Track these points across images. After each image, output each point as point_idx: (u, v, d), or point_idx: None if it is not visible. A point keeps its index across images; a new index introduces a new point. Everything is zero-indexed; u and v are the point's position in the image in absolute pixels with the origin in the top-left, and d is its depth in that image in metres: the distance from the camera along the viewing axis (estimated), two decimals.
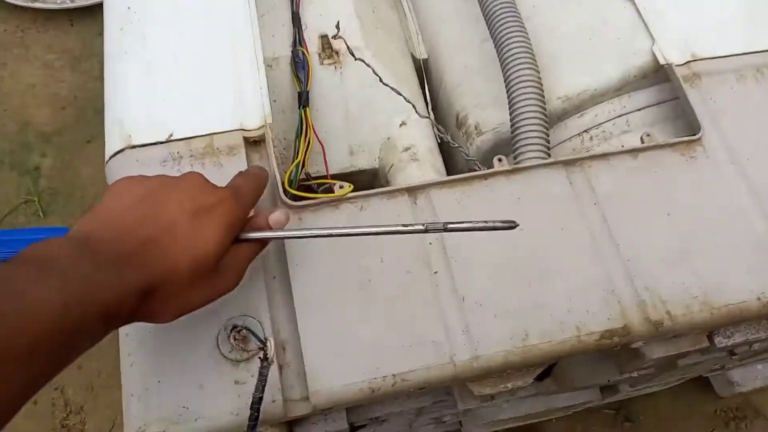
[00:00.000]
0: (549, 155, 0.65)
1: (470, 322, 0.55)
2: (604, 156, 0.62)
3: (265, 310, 0.55)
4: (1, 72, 1.34)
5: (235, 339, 0.52)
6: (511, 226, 0.48)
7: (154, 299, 0.44)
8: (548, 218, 0.59)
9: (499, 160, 0.61)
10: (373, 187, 0.61)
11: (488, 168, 0.72)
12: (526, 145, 0.64)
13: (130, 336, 0.55)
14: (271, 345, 0.49)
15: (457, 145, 0.72)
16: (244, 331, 0.52)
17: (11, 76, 1.34)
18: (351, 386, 0.53)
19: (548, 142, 0.66)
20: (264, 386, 0.48)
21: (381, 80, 0.72)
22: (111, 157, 0.62)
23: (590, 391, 0.82)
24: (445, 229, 0.50)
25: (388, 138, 0.80)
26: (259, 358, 0.48)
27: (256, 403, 0.48)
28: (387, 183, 0.80)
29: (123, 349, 0.55)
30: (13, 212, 1.23)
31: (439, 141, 0.83)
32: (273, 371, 0.52)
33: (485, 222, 0.49)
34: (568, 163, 0.62)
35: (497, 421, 0.83)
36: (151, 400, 0.52)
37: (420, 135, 0.79)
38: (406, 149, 0.79)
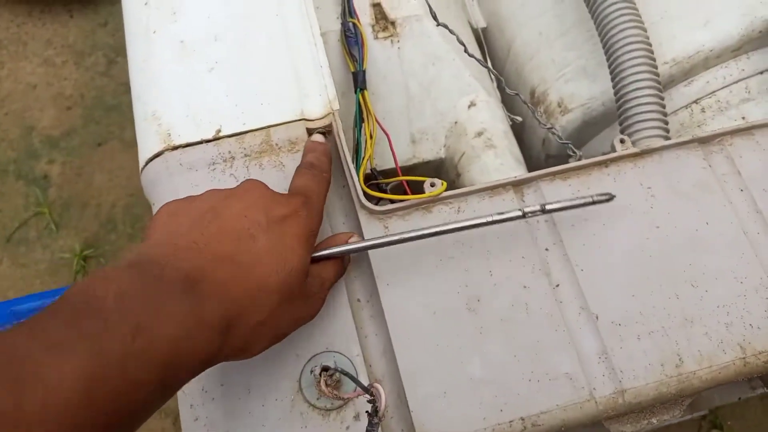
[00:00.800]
0: (669, 133, 0.54)
1: (609, 346, 0.44)
2: (747, 130, 0.51)
3: (354, 342, 0.44)
4: None
5: (326, 384, 0.41)
6: (608, 198, 0.47)
7: (241, 328, 0.34)
8: (688, 211, 0.49)
9: (622, 141, 0.50)
10: None
11: (581, 152, 0.61)
12: (644, 121, 0.52)
13: (192, 383, 0.44)
14: (380, 394, 0.38)
15: (548, 125, 0.61)
16: (337, 374, 0.41)
17: (9, 76, 1.22)
18: None
19: (666, 116, 0.55)
20: None
21: (466, 49, 0.60)
22: (148, 162, 0.51)
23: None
24: (543, 211, 0.45)
25: (455, 122, 0.70)
26: (367, 412, 0.38)
27: None
28: (457, 175, 0.69)
29: (183, 400, 0.44)
30: (23, 226, 1.12)
31: (510, 124, 0.72)
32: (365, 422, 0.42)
33: (584, 198, 0.46)
34: (704, 141, 0.51)
35: None
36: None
37: (492, 117, 0.68)
38: (479, 134, 0.68)
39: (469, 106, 0.70)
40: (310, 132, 0.51)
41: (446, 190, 0.48)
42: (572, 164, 0.50)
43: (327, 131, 0.52)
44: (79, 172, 1.16)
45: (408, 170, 0.71)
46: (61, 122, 1.20)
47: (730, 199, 0.49)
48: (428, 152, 0.72)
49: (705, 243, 0.48)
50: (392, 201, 0.49)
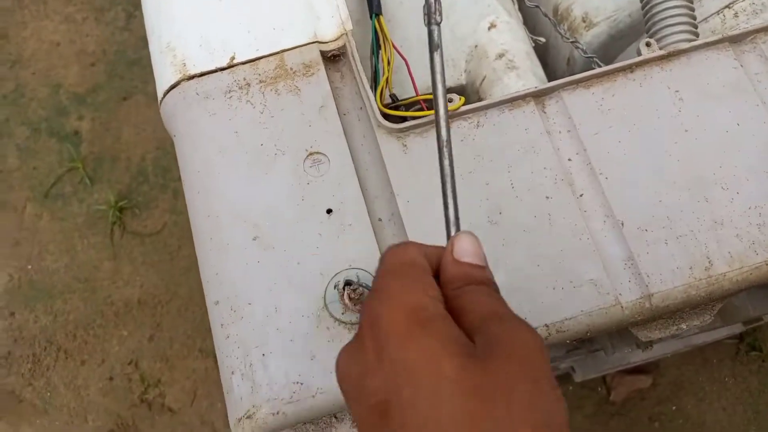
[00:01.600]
0: (698, 37, 0.52)
1: (635, 253, 0.44)
2: None
3: (376, 259, 0.45)
4: (21, 32, 1.24)
5: (350, 298, 0.42)
6: None
7: None
8: (718, 113, 0.47)
9: (648, 44, 0.48)
10: None
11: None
12: (674, 24, 0.50)
13: (221, 304, 0.45)
14: None
15: (572, 39, 0.59)
16: (360, 288, 0.42)
17: (33, 36, 1.24)
18: None
19: (695, 19, 0.52)
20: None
21: None
22: (165, 94, 0.52)
23: (735, 324, 0.71)
24: None
25: (476, 46, 0.67)
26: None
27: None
28: (479, 100, 0.68)
29: (214, 319, 0.46)
30: (58, 182, 1.15)
31: (533, 46, 0.69)
32: None
33: None
34: (735, 40, 0.48)
35: (622, 363, 0.73)
36: (257, 377, 0.43)
37: (513, 38, 0.66)
38: (500, 56, 0.66)
39: (489, 28, 0.68)
40: (324, 55, 0.51)
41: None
42: (596, 71, 0.48)
43: (341, 53, 0.51)
44: (108, 126, 1.18)
45: (429, 96, 0.69)
46: (85, 79, 1.21)
47: (764, 99, 0.47)
48: (449, 79, 0.70)
49: (736, 144, 0.46)
50: (409, 119, 0.49)
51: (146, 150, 1.15)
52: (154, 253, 1.05)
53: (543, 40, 0.68)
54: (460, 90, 0.69)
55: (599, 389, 0.96)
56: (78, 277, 1.08)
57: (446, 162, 0.35)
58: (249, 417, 0.42)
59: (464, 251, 0.32)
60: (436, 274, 0.31)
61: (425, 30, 0.72)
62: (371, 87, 0.53)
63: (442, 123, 0.35)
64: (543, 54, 0.77)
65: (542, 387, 0.25)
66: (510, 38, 0.67)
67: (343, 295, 0.42)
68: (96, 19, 1.23)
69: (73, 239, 1.10)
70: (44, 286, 1.08)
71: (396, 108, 0.58)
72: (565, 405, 0.25)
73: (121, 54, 1.20)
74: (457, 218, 0.35)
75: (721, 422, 0.95)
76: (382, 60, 0.57)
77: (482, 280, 0.30)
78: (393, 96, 0.60)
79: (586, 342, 0.58)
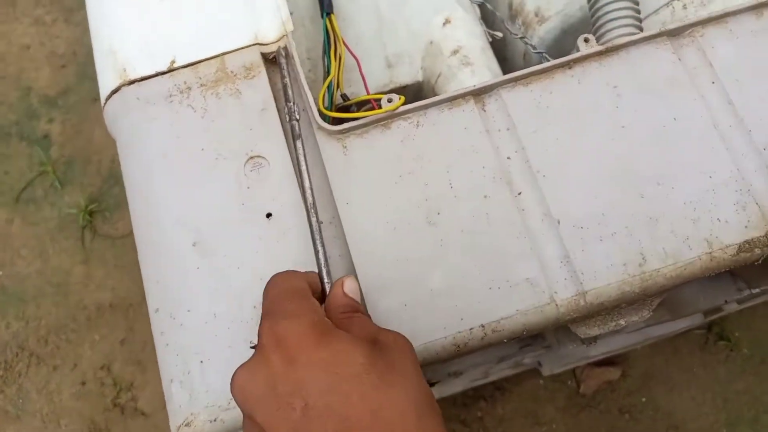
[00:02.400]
0: (642, 31, 0.52)
1: (571, 250, 0.44)
2: (720, 19, 0.48)
3: (315, 262, 0.45)
4: None
5: None
6: None
7: None
8: (656, 108, 0.47)
9: (586, 40, 0.48)
10: None
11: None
12: (615, 18, 0.50)
13: (161, 311, 0.45)
14: None
15: (520, 35, 0.58)
16: None
17: (3, 38, 1.23)
18: (431, 345, 0.43)
19: (639, 13, 0.52)
20: None
21: None
22: (107, 99, 0.51)
23: (693, 315, 0.71)
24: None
25: (431, 42, 0.67)
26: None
27: None
28: None
29: (155, 326, 0.46)
30: (29, 186, 1.15)
31: (489, 41, 0.69)
32: None
33: None
34: (674, 34, 0.48)
35: (586, 357, 0.73)
36: (195, 384, 0.43)
37: (468, 34, 0.66)
38: (454, 53, 0.66)
39: (444, 24, 0.68)
40: (265, 57, 0.51)
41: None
42: (533, 68, 0.48)
43: (282, 55, 0.51)
44: (79, 129, 1.17)
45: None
46: (56, 81, 1.20)
47: (701, 93, 0.47)
48: (405, 76, 0.70)
49: (672, 140, 0.46)
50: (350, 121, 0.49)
51: (117, 152, 1.14)
52: (125, 256, 1.05)
53: (500, 35, 0.68)
54: (417, 87, 0.69)
55: (569, 382, 0.96)
56: (50, 281, 1.07)
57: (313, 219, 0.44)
58: (187, 425, 0.42)
59: (351, 289, 0.39)
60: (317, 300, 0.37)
61: (379, 26, 0.72)
62: (333, 87, 0.53)
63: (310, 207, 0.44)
64: (502, 49, 0.77)
65: (422, 376, 0.33)
66: (465, 34, 0.67)
67: None
68: (65, 20, 1.22)
69: (45, 243, 1.10)
70: (16, 291, 1.07)
71: (346, 108, 0.58)
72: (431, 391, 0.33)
73: (91, 55, 1.19)
74: (327, 263, 0.43)
75: (691, 411, 0.95)
76: (332, 60, 0.57)
77: (362, 312, 0.38)
78: (344, 96, 0.60)
79: (536, 338, 0.58)
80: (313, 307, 0.34)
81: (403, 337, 0.35)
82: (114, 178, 1.13)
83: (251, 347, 0.39)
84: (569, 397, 0.96)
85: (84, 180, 1.14)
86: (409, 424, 0.29)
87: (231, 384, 0.32)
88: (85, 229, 1.10)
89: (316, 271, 0.43)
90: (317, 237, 0.44)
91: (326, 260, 0.43)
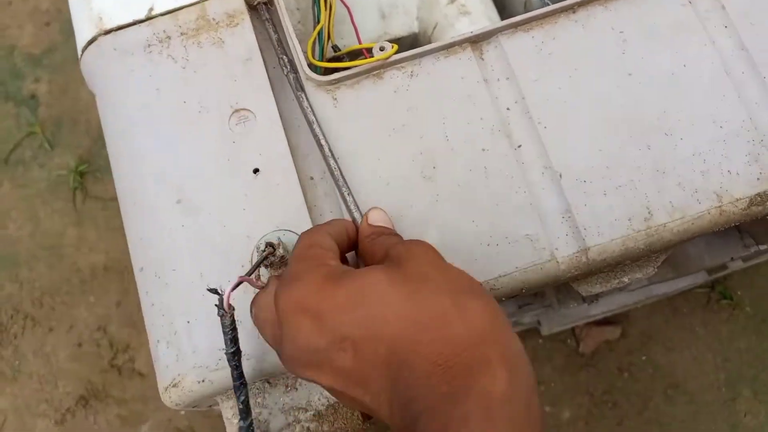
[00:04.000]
0: None
1: (573, 205, 0.42)
2: None
3: (306, 220, 0.43)
4: None
5: (272, 264, 0.40)
6: None
7: None
8: (664, 54, 0.44)
9: None
10: None
11: None
12: None
13: (146, 270, 0.44)
14: (227, 289, 0.36)
15: None
16: (280, 250, 0.40)
17: None
18: None
19: None
20: (232, 339, 0.37)
21: None
22: (83, 50, 0.49)
23: (697, 274, 0.70)
24: None
25: None
26: (215, 305, 0.37)
27: (231, 359, 0.37)
28: None
29: (140, 286, 0.44)
30: (18, 147, 1.12)
31: None
32: None
33: None
34: None
35: (586, 316, 0.72)
36: (182, 345, 0.41)
37: None
38: (451, 1, 0.62)
39: None
40: (248, 3, 0.48)
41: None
42: (534, 12, 0.45)
43: (266, 1, 0.48)
44: (65, 88, 1.14)
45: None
46: (41, 39, 1.16)
47: (713, 38, 0.44)
48: (400, 27, 0.67)
49: (681, 88, 0.43)
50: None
51: None
52: (118, 218, 1.02)
53: None
54: (413, 39, 0.66)
55: (568, 341, 0.96)
56: (42, 244, 1.06)
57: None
58: (175, 385, 0.41)
59: (375, 219, 0.39)
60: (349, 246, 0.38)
61: None
62: (323, 37, 0.51)
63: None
64: None
65: (448, 268, 0.33)
66: None
67: (265, 259, 0.40)
68: None
69: (36, 206, 1.08)
70: (9, 254, 1.06)
71: (338, 59, 0.55)
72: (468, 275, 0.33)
73: None
74: (355, 204, 0.42)
75: (691, 371, 0.95)
76: (322, 9, 0.53)
77: (390, 232, 0.38)
78: (335, 47, 0.57)
79: (536, 296, 0.57)
80: (325, 260, 0.34)
81: (424, 243, 0.34)
82: (103, 138, 1.10)
83: (208, 289, 0.37)
84: (568, 356, 0.95)
85: (73, 141, 1.11)
86: (451, 317, 0.29)
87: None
88: (77, 191, 1.08)
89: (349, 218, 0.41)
90: (341, 182, 0.42)
91: (354, 202, 0.42)
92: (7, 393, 0.99)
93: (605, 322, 0.94)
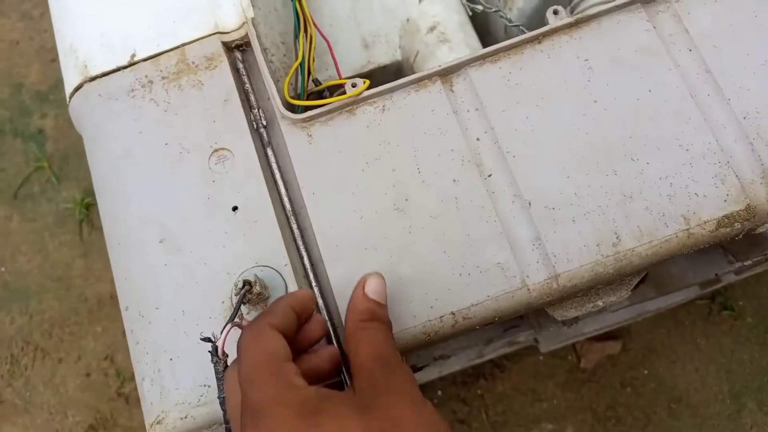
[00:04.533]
0: None
1: (543, 233, 0.43)
2: None
3: (283, 255, 0.44)
4: None
5: (249, 301, 0.41)
6: None
7: None
8: (629, 80, 0.45)
9: (555, 12, 0.46)
10: None
11: None
12: None
13: (131, 309, 0.45)
14: (222, 335, 0.37)
15: (494, 8, 0.56)
16: (257, 287, 0.41)
17: None
18: (401, 335, 0.42)
19: None
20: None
21: None
22: (71, 96, 0.51)
23: (689, 288, 0.70)
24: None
25: (408, 20, 0.66)
26: (209, 351, 0.38)
27: (222, 403, 0.38)
28: None
29: (126, 325, 0.46)
30: (26, 182, 1.15)
31: (470, 14, 0.67)
32: None
33: None
34: (648, 1, 0.46)
35: (580, 334, 0.72)
36: (165, 382, 0.43)
37: (445, 9, 0.64)
38: (431, 29, 0.64)
39: (420, 0, 0.66)
40: (227, 45, 0.49)
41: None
42: (501, 44, 0.46)
43: (244, 42, 0.49)
44: (71, 123, 1.17)
45: (365, 77, 0.68)
46: (47, 76, 1.20)
47: (677, 62, 0.45)
48: (383, 56, 0.69)
49: (647, 113, 0.44)
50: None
51: None
52: None
53: (480, 8, 0.66)
54: (397, 67, 0.68)
55: (569, 357, 0.95)
56: (51, 276, 1.08)
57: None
58: (159, 422, 0.42)
59: (373, 290, 0.38)
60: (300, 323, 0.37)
61: (353, 5, 0.70)
62: (304, 72, 0.52)
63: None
64: (485, 23, 0.75)
65: (421, 410, 0.32)
66: (442, 9, 0.65)
67: (244, 295, 0.41)
68: None
69: (45, 239, 1.11)
70: (19, 287, 1.09)
71: (318, 93, 0.57)
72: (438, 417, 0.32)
73: None
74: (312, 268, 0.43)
75: (694, 383, 0.94)
76: (301, 43, 0.55)
77: (383, 318, 0.37)
78: (315, 80, 0.58)
79: (522, 318, 0.57)
80: (288, 379, 0.32)
81: (399, 366, 0.34)
82: None
83: (201, 339, 0.39)
84: (570, 372, 0.95)
85: (79, 174, 1.14)
86: None
87: None
88: (83, 223, 1.11)
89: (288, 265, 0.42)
90: (299, 242, 0.44)
91: (310, 263, 0.43)
92: (19, 424, 1.01)
93: (606, 336, 0.94)
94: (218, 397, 0.38)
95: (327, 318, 0.42)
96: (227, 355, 0.38)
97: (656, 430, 0.93)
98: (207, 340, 0.38)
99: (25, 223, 1.12)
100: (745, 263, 0.56)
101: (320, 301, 0.43)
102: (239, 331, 0.40)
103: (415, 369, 0.61)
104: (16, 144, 1.18)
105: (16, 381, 1.02)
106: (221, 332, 0.38)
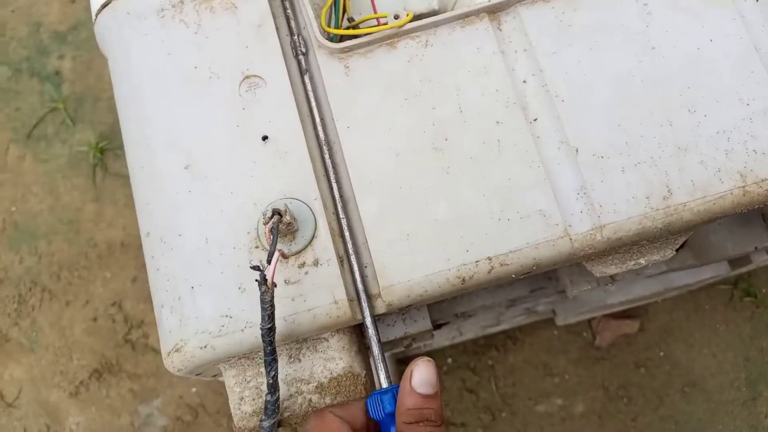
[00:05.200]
0: None
1: (589, 181, 0.40)
2: None
3: (314, 189, 0.42)
4: None
5: (271, 230, 0.39)
6: None
7: None
8: (691, 28, 0.42)
9: None
10: None
11: None
12: None
13: (152, 235, 0.43)
14: (272, 264, 0.36)
15: None
16: (287, 217, 0.39)
17: None
18: (434, 277, 0.40)
19: None
20: (270, 315, 0.37)
21: None
22: (98, 14, 0.48)
23: (718, 264, 0.68)
24: None
25: None
26: (256, 281, 0.36)
27: (266, 335, 0.37)
28: None
29: (146, 251, 0.44)
30: (40, 123, 1.13)
31: None
32: (333, 267, 0.40)
33: None
34: None
35: (602, 306, 0.70)
36: (185, 310, 0.41)
37: None
38: None
39: None
40: None
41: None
42: None
43: None
44: (89, 66, 1.15)
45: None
46: (66, 16, 1.17)
47: (742, 12, 0.42)
48: (419, 3, 0.66)
49: (707, 63, 0.42)
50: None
51: None
52: None
53: None
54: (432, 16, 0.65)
55: (584, 334, 0.94)
56: (61, 218, 1.07)
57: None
58: (177, 350, 0.41)
59: (421, 381, 0.36)
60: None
61: None
62: (338, 8, 0.50)
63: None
64: None
65: None
66: None
67: (272, 225, 0.39)
68: None
69: (56, 181, 1.09)
70: (28, 227, 1.07)
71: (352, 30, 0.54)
72: None
73: None
74: (383, 356, 0.39)
75: (710, 368, 0.93)
76: None
77: (432, 416, 0.36)
78: (350, 19, 0.56)
79: (549, 280, 0.55)
80: None
81: None
82: None
83: (251, 267, 0.37)
84: (583, 348, 0.93)
85: (95, 117, 1.12)
86: None
87: None
88: (96, 167, 1.09)
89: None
90: (331, 176, 0.41)
91: (341, 199, 0.41)
92: (24, 363, 1.00)
93: (623, 315, 0.92)
94: (261, 328, 0.37)
95: (354, 254, 0.40)
96: (276, 285, 0.37)
97: (668, 412, 0.92)
98: (256, 268, 0.37)
99: (38, 164, 1.11)
100: None
101: (347, 236, 0.41)
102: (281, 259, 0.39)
103: (435, 326, 0.59)
104: (32, 84, 1.15)
105: (22, 321, 1.02)
106: (267, 261, 0.37)
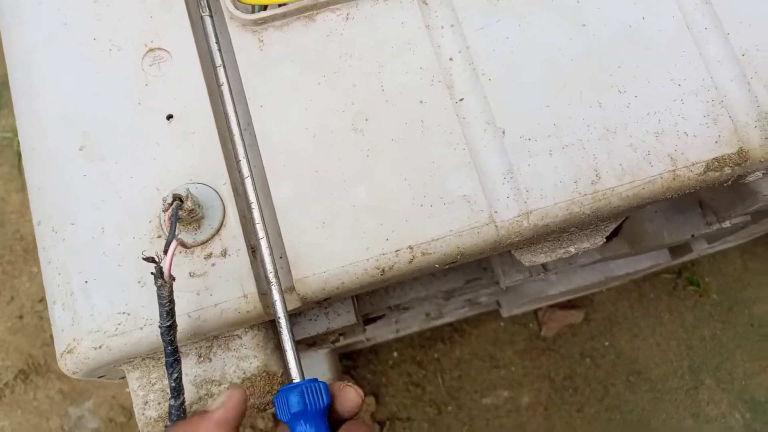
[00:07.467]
0: None
1: (516, 165, 0.38)
2: None
3: (222, 172, 0.39)
4: None
5: (180, 219, 0.36)
6: None
7: None
8: (623, 5, 0.40)
9: None
10: None
11: None
12: None
13: (43, 224, 0.39)
14: (168, 255, 0.32)
15: None
16: (189, 203, 0.36)
17: None
18: (352, 267, 0.37)
19: None
20: (169, 312, 0.33)
21: None
22: None
23: (659, 253, 0.67)
24: None
25: None
26: (152, 273, 0.33)
27: (166, 333, 0.33)
28: None
29: (38, 241, 0.40)
30: None
31: None
32: (242, 258, 0.37)
33: None
34: None
35: (544, 297, 0.69)
36: (78, 307, 0.37)
37: None
38: None
39: None
40: None
41: None
42: None
43: None
44: None
45: None
46: None
47: None
48: None
49: (639, 41, 0.40)
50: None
51: None
52: None
53: None
54: None
55: (530, 325, 0.93)
56: None
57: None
58: (70, 351, 0.37)
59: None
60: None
61: None
62: None
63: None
64: None
65: None
66: None
67: (174, 212, 0.36)
68: None
69: None
70: None
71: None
72: None
73: None
74: (297, 355, 0.35)
75: (654, 358, 0.93)
76: None
77: None
78: None
79: (484, 270, 0.53)
80: None
81: None
82: None
83: (144, 258, 0.33)
84: (529, 339, 0.93)
85: None
86: None
87: None
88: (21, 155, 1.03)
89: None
90: (242, 159, 0.37)
91: (253, 183, 0.37)
92: None
93: (569, 305, 0.91)
94: (159, 326, 0.33)
95: (266, 243, 0.37)
96: (174, 278, 0.33)
97: (613, 402, 0.92)
98: (150, 260, 0.33)
99: None
100: (723, 224, 0.53)
101: (259, 224, 0.37)
102: (183, 250, 0.36)
103: (368, 320, 0.56)
104: None
105: None
106: (164, 251, 0.33)
